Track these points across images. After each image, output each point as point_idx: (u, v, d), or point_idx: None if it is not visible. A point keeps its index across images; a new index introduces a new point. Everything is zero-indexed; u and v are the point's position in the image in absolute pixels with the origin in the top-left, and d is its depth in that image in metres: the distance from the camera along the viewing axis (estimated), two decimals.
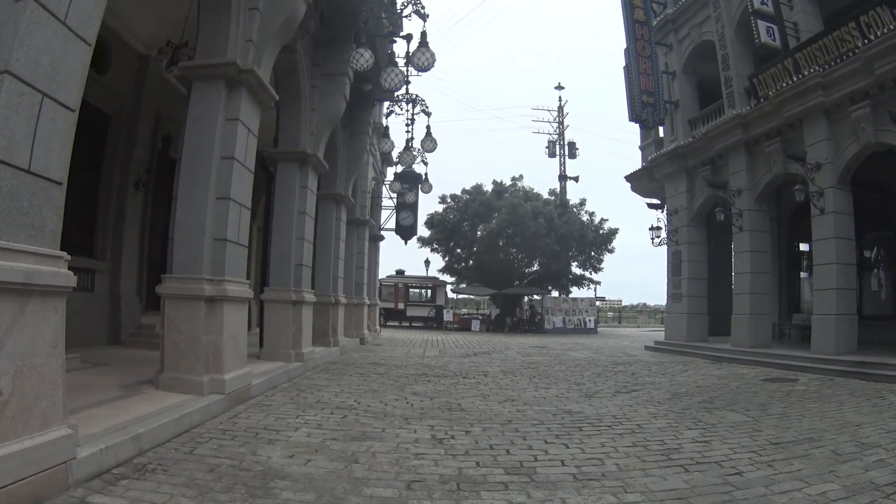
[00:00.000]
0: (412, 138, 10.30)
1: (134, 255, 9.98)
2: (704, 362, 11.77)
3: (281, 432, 4.58)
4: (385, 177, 19.59)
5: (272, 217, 8.67)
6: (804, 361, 10.14)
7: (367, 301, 16.71)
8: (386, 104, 11.67)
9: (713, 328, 15.00)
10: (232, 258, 5.69)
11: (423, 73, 6.90)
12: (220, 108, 5.71)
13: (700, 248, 14.98)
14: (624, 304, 64.52)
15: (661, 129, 16.76)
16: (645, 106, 14.96)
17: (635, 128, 16.95)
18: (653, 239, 15.63)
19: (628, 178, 17.48)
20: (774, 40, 11.98)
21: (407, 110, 9.82)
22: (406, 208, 20.51)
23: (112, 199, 9.51)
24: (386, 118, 11.90)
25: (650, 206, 16.52)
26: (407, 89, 9.33)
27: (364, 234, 15.69)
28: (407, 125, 9.93)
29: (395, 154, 14.34)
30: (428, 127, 10.01)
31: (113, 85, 9.19)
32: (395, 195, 19.67)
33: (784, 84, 11.69)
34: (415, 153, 11.01)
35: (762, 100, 12.36)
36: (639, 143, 17.66)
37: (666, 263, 15.73)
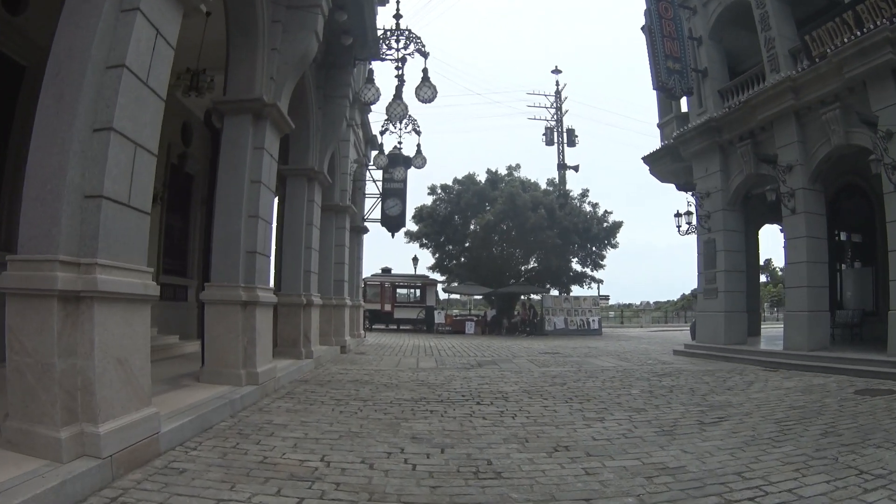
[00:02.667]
0: (402, 83, 7.80)
1: None
2: (760, 370, 9.76)
3: None
4: (369, 161, 17.15)
5: (216, 187, 6.37)
6: (882, 366, 8.42)
7: (349, 302, 14.27)
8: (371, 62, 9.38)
9: None
10: (114, 227, 3.42)
11: None
12: None
13: (738, 235, 12.89)
14: (611, 302, 62.73)
15: (684, 103, 14.77)
16: (671, 73, 12.89)
17: (638, 116, 15.09)
18: (679, 226, 13.53)
19: (646, 158, 15.36)
20: None
21: (397, 49, 7.47)
22: (393, 195, 18.06)
23: None
24: (369, 63, 9.50)
25: (679, 187, 14.43)
26: (398, 23, 7.14)
27: (344, 224, 13.29)
28: (397, 67, 7.58)
29: (380, 112, 11.82)
30: (424, 71, 7.66)
31: (30, 30, 6.92)
32: (380, 182, 17.32)
33: (844, 40, 9.82)
34: (406, 110, 8.58)
35: (817, 59, 10.42)
36: (657, 121, 15.61)
37: (697, 256, 13.64)
